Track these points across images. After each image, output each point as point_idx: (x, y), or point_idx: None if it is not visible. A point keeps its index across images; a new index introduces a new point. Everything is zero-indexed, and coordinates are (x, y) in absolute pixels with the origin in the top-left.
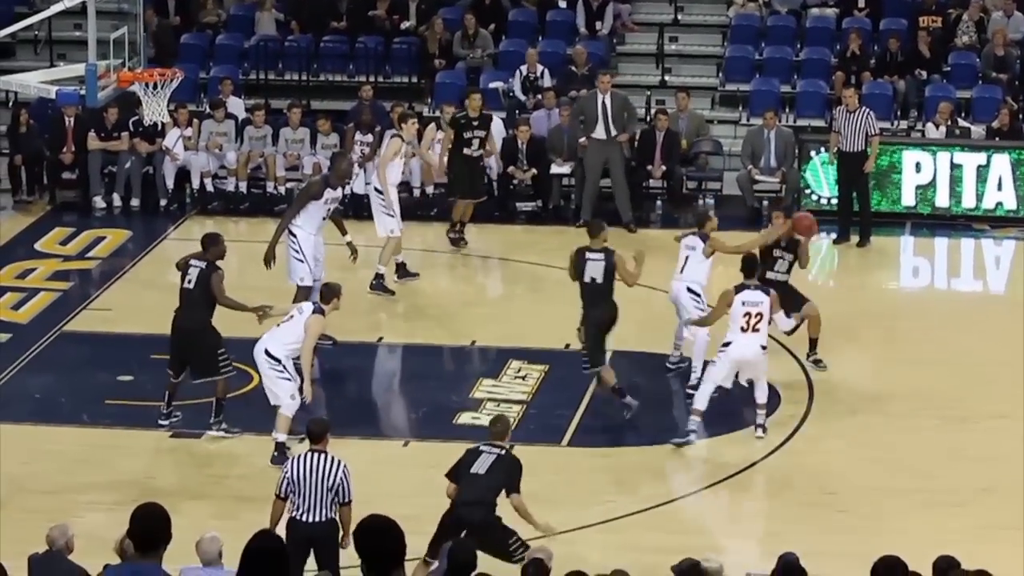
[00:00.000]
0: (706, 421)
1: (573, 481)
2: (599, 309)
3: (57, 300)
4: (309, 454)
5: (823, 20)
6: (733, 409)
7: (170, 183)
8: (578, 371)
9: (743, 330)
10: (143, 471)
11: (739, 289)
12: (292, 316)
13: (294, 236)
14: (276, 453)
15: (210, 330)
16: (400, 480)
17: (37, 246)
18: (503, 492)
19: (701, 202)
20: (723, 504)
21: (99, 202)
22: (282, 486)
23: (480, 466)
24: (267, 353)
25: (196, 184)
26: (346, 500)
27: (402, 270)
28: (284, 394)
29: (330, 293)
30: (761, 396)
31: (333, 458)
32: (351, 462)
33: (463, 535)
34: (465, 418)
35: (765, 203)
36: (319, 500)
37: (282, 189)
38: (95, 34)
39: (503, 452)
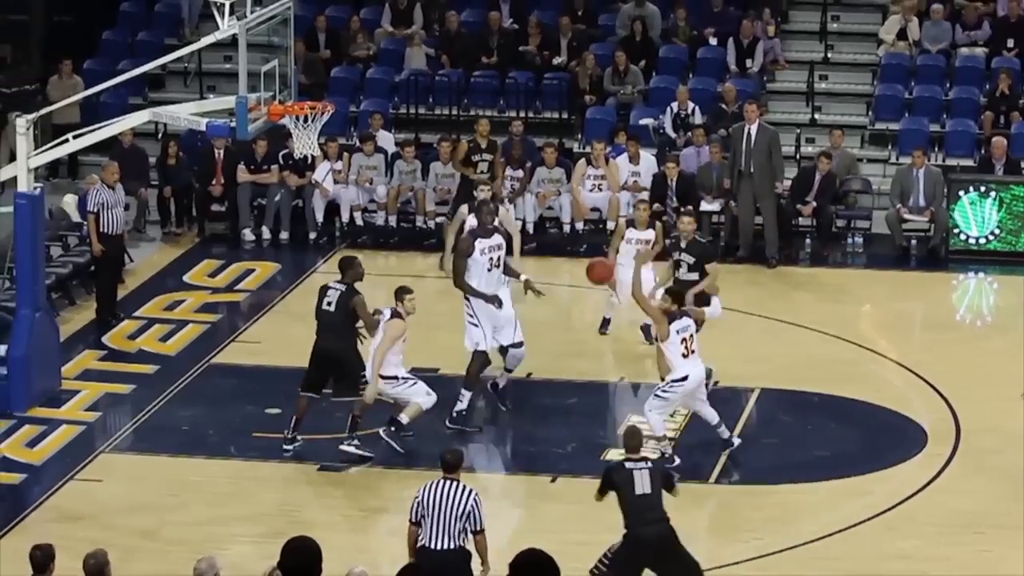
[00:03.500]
0: (853, 460)
1: (720, 518)
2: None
3: (206, 332)
4: (441, 481)
5: (972, 60)
6: (881, 446)
7: (319, 216)
8: (726, 407)
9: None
10: (290, 504)
11: (671, 319)
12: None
13: (467, 300)
14: (392, 428)
15: (355, 352)
16: (548, 516)
17: (186, 278)
18: None
19: (850, 239)
20: (869, 542)
21: (248, 235)
22: (414, 511)
23: (642, 485)
24: (381, 377)
25: (345, 218)
26: (478, 528)
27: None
28: (418, 396)
29: (401, 292)
30: (712, 415)
31: (464, 486)
32: (500, 497)
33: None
34: (613, 454)
35: (914, 242)
36: (449, 528)
37: (432, 223)
38: (245, 66)
39: (651, 464)
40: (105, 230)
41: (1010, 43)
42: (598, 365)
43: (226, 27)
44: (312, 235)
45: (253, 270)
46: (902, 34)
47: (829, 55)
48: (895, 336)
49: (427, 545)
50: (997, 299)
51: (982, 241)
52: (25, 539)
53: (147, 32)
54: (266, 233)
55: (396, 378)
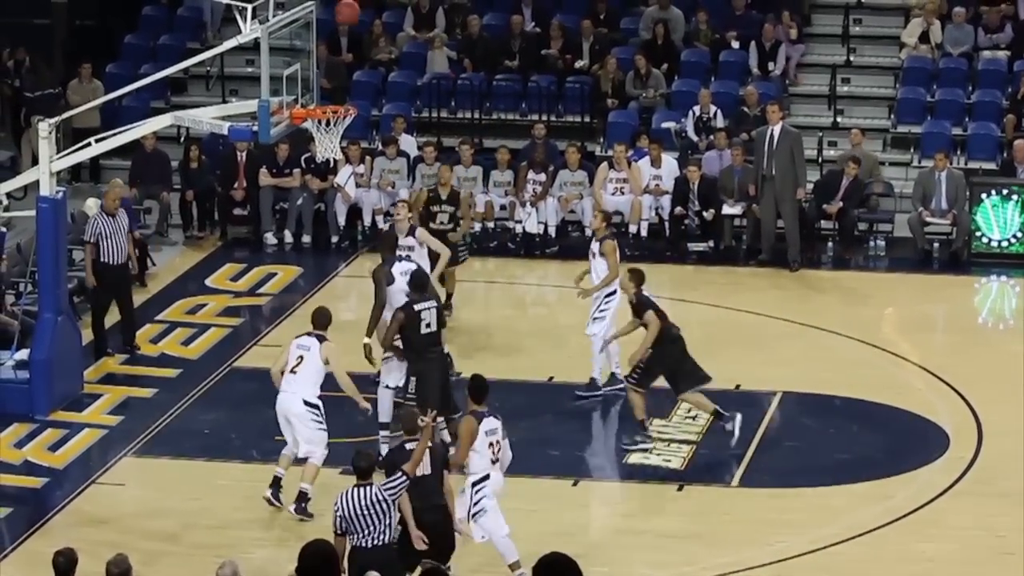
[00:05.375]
0: (875, 463)
1: (742, 522)
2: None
3: (227, 336)
4: (357, 489)
5: (995, 63)
6: (903, 449)
7: (341, 220)
8: (748, 411)
9: (492, 461)
10: (312, 508)
11: (479, 417)
12: (301, 358)
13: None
14: (301, 504)
15: None
16: (569, 519)
17: (208, 282)
18: None
19: (872, 243)
20: (891, 546)
21: (270, 238)
22: (338, 523)
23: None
24: (305, 403)
25: (368, 221)
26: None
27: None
28: (320, 444)
29: (324, 318)
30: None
31: (375, 488)
32: (521, 500)
33: None
34: (635, 457)
35: (936, 245)
36: (373, 527)
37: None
38: (268, 70)
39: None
40: (106, 260)
41: None
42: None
43: (248, 31)
44: (334, 239)
45: (275, 274)
46: (924, 37)
47: (851, 58)
48: (917, 339)
49: (359, 546)
50: (1019, 302)
51: (1004, 244)
52: (47, 543)
53: (169, 36)
54: (288, 237)
55: (318, 408)
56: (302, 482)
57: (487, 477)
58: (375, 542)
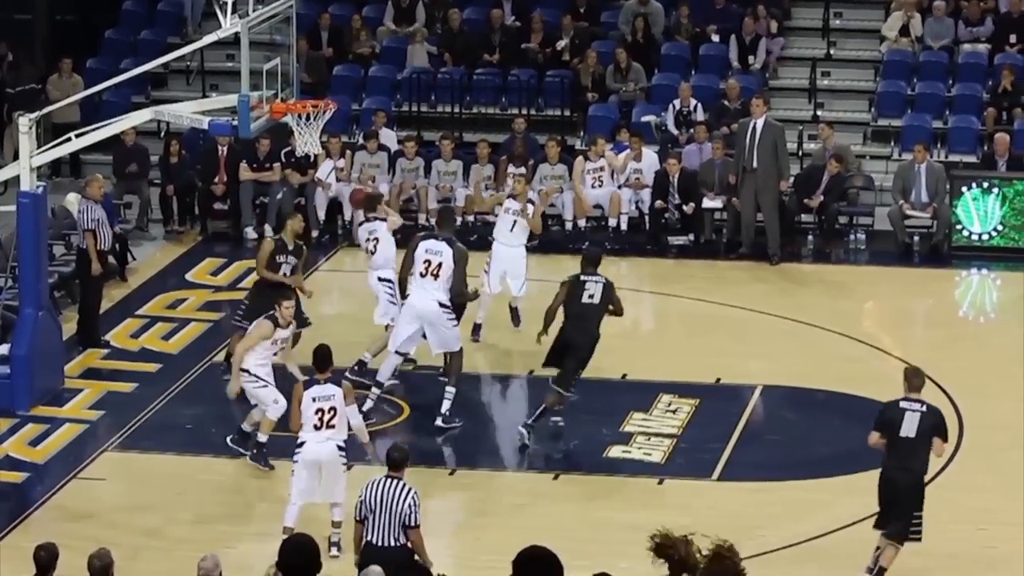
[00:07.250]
0: (857, 456)
1: (723, 516)
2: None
3: (208, 330)
4: (385, 479)
5: (975, 56)
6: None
7: (322, 214)
8: (729, 405)
9: (316, 428)
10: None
11: (308, 385)
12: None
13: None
14: (254, 451)
15: None
16: (551, 513)
17: (188, 276)
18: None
19: (852, 236)
20: (873, 539)
21: (250, 233)
22: (359, 509)
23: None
24: (242, 371)
25: (348, 215)
26: (412, 524)
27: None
28: (267, 400)
29: (278, 298)
30: (338, 512)
31: (406, 485)
32: (502, 495)
33: None
34: (616, 451)
35: (916, 238)
36: (391, 525)
37: (434, 221)
38: (248, 65)
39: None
40: (100, 247)
41: (1012, 39)
42: (600, 362)
43: (228, 25)
44: (314, 233)
45: (255, 268)
46: (904, 30)
47: (831, 51)
48: (898, 332)
49: (371, 542)
50: (1000, 295)
51: (985, 237)
52: (28, 538)
53: (149, 31)
54: (268, 231)
55: (250, 374)
56: (259, 434)
57: (303, 444)
58: (387, 542)
